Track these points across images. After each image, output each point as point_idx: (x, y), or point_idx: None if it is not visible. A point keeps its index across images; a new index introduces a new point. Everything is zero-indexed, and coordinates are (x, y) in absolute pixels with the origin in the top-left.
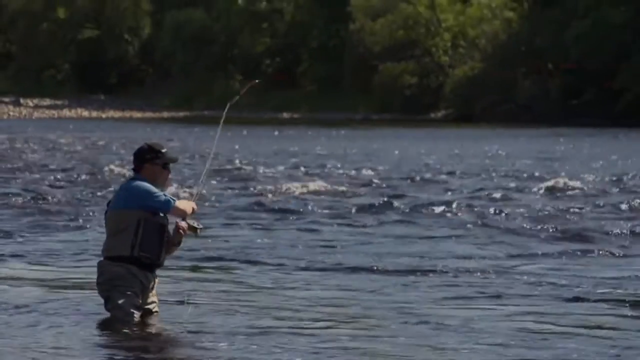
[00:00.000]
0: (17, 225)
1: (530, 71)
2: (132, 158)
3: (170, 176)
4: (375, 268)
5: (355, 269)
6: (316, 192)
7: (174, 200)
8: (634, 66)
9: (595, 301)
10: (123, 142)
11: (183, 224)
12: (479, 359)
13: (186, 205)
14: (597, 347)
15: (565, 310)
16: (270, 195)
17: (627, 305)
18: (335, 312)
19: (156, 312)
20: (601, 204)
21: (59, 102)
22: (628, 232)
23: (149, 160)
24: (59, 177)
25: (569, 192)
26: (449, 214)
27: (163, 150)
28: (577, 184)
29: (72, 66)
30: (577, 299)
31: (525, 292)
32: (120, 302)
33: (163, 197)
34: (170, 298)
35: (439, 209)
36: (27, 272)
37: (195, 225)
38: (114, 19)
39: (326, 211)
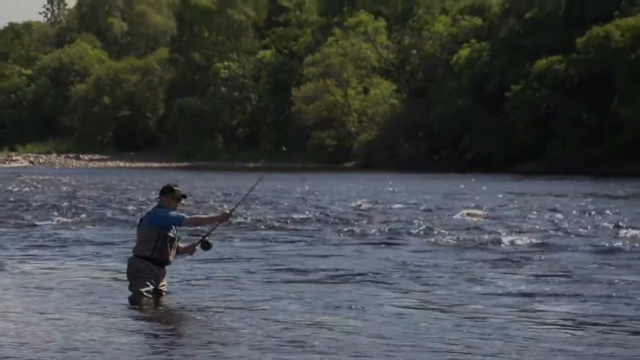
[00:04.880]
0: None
1: (408, 137)
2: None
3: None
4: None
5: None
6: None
7: (184, 216)
8: (472, 134)
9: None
10: (149, 181)
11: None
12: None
13: (201, 218)
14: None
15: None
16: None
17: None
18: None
19: (165, 292)
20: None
21: (104, 157)
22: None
23: (166, 194)
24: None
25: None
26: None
27: (175, 189)
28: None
29: (113, 134)
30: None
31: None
32: (140, 288)
33: (175, 215)
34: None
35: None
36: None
37: (209, 241)
38: (140, 104)
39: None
